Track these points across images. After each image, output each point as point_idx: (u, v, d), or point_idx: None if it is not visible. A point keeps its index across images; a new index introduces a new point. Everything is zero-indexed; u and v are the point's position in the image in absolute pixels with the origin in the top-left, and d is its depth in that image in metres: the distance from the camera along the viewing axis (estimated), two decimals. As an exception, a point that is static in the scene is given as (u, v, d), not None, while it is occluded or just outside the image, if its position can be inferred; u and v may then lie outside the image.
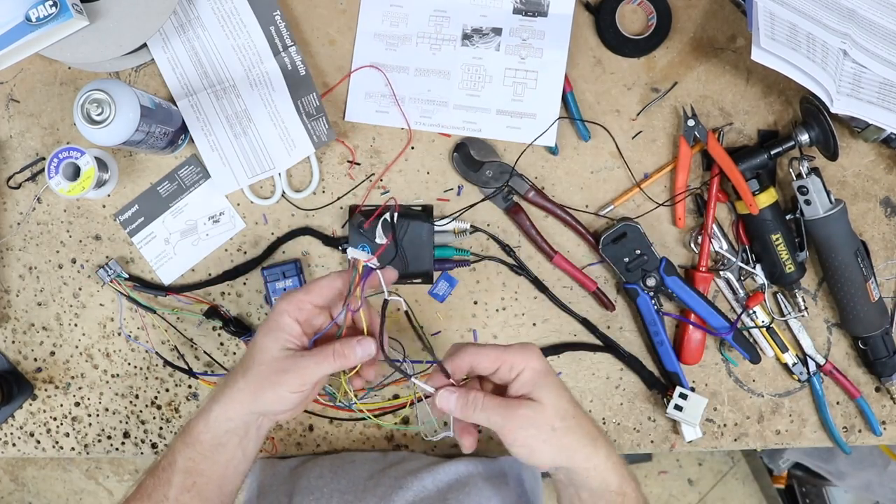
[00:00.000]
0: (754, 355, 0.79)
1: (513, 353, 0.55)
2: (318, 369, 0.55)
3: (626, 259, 0.78)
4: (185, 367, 0.79)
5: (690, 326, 0.79)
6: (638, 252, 0.78)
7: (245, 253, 0.81)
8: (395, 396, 0.81)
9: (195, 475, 0.57)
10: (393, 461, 0.77)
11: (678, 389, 0.78)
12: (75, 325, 0.81)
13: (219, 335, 0.81)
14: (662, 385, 0.81)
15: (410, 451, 0.82)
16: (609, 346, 0.81)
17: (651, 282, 0.78)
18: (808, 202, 0.76)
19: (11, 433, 0.82)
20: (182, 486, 0.57)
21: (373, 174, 0.80)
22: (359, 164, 0.79)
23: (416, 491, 0.72)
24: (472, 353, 0.56)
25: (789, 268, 0.78)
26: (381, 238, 0.74)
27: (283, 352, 0.55)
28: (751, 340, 0.81)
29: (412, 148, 0.80)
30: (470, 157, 0.79)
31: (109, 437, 0.82)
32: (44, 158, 0.79)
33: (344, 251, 0.79)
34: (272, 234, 0.80)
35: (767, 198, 0.77)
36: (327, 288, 0.58)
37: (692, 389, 0.79)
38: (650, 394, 0.82)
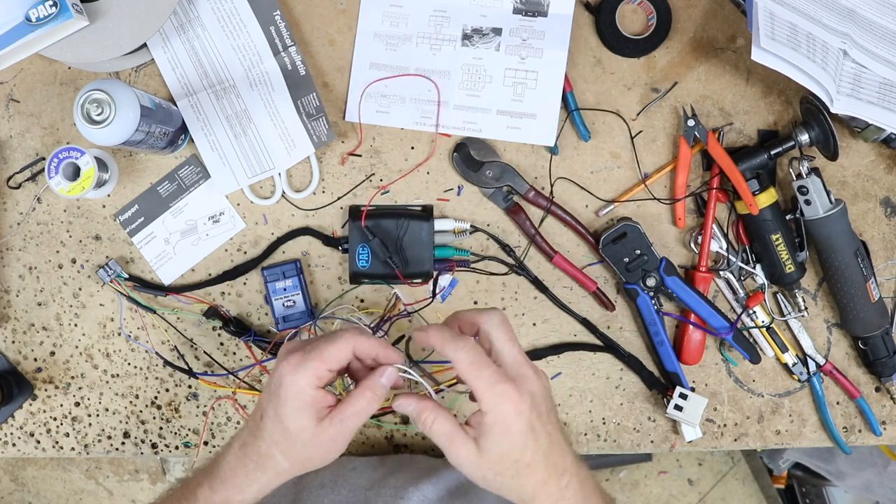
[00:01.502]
0: (754, 355, 0.79)
1: (483, 386, 0.51)
2: (359, 420, 0.54)
3: (626, 259, 0.78)
4: (185, 367, 0.79)
5: (690, 326, 0.79)
6: (638, 252, 0.78)
7: (245, 253, 0.81)
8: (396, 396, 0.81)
9: None
10: (393, 468, 0.76)
11: (678, 389, 0.78)
12: (75, 325, 0.81)
13: (219, 335, 0.81)
14: (662, 385, 0.81)
15: (410, 454, 0.82)
16: (609, 346, 0.81)
17: (651, 282, 0.78)
18: (808, 202, 0.76)
19: (11, 433, 0.82)
20: None
21: (373, 174, 0.80)
22: (359, 155, 0.79)
23: (417, 501, 0.71)
24: (449, 347, 0.53)
25: (789, 268, 0.78)
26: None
27: (320, 423, 0.53)
28: (751, 340, 0.81)
29: (412, 148, 0.80)
30: (470, 157, 0.79)
31: (109, 437, 0.82)
32: (44, 158, 0.79)
33: (345, 251, 0.79)
34: (272, 234, 0.80)
35: (767, 198, 0.77)
36: (344, 353, 0.54)
37: (692, 389, 0.79)
38: (650, 394, 0.82)
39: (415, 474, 0.74)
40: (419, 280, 0.78)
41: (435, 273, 0.78)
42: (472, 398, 0.54)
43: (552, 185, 0.80)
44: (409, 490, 0.72)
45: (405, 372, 0.56)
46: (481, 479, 0.53)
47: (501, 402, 0.51)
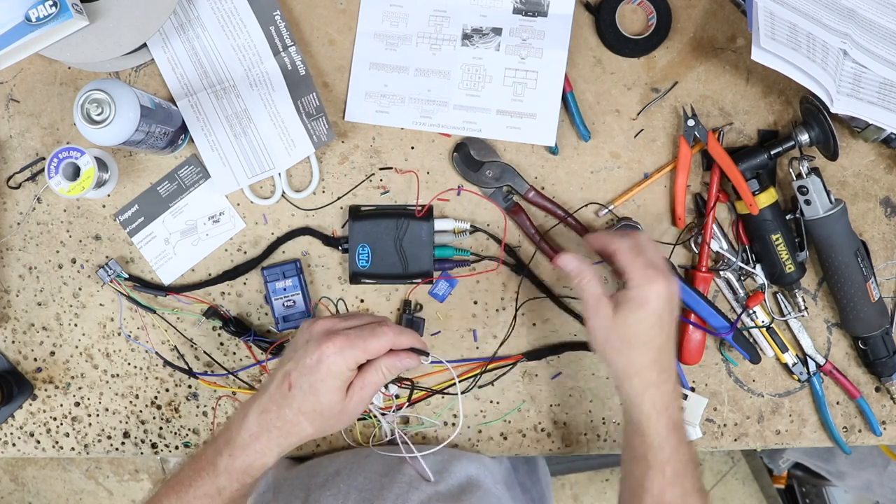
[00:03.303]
0: (754, 355, 0.79)
1: (638, 268, 0.63)
2: (373, 392, 0.60)
3: (626, 259, 0.78)
4: (185, 367, 0.79)
5: (690, 326, 0.79)
6: (638, 252, 0.78)
7: (245, 253, 0.81)
8: (396, 397, 0.81)
9: (238, 500, 0.60)
10: (404, 458, 0.78)
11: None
12: (75, 325, 0.81)
13: (219, 335, 0.81)
14: (662, 385, 0.81)
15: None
16: (609, 346, 0.81)
17: (651, 282, 0.78)
18: (808, 202, 0.76)
19: (11, 433, 0.82)
20: None
21: (373, 174, 0.80)
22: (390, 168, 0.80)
23: (429, 493, 0.72)
24: (612, 247, 0.66)
25: (789, 268, 0.78)
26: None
27: (346, 397, 0.60)
28: (751, 340, 0.81)
29: (412, 148, 0.80)
30: (470, 157, 0.79)
31: (109, 437, 0.82)
32: (44, 158, 0.79)
33: (345, 251, 0.79)
34: (272, 234, 0.80)
35: (767, 198, 0.77)
36: (385, 347, 0.60)
37: (692, 389, 0.79)
38: (650, 394, 0.82)
39: (427, 466, 0.75)
40: (419, 280, 0.78)
41: (436, 274, 0.78)
42: (618, 277, 0.66)
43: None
44: (422, 480, 0.74)
45: (424, 355, 0.63)
46: (604, 342, 0.64)
47: (648, 283, 0.62)
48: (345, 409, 0.60)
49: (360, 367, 0.60)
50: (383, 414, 0.78)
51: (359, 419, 0.81)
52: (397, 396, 0.81)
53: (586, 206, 0.80)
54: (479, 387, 0.81)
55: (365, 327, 0.60)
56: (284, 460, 0.81)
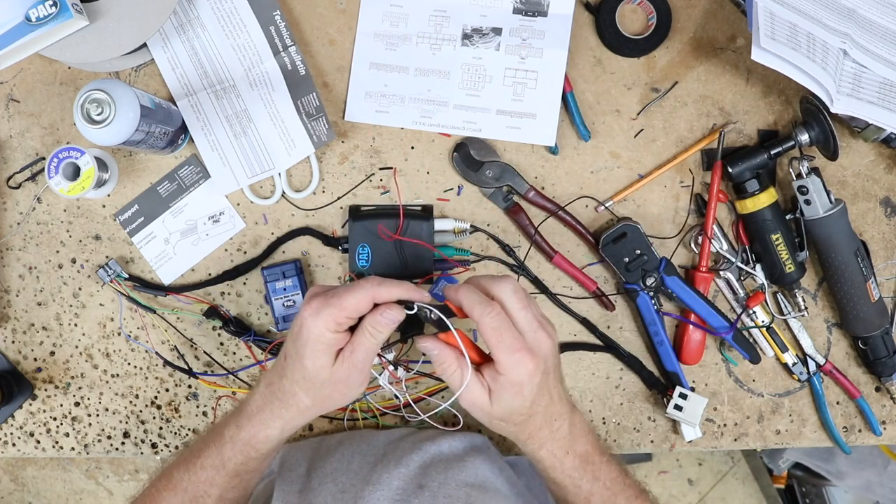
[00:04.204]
0: (754, 355, 0.79)
1: (503, 352, 0.55)
2: (366, 357, 0.57)
3: (626, 259, 0.78)
4: (185, 367, 0.79)
5: (690, 326, 0.79)
6: (638, 252, 0.78)
7: (245, 253, 0.81)
8: (396, 397, 0.81)
9: (245, 475, 0.61)
10: (411, 431, 0.79)
11: (678, 389, 0.78)
12: (75, 325, 0.81)
13: (219, 335, 0.81)
14: (662, 385, 0.81)
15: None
16: (609, 346, 0.81)
17: (651, 282, 0.78)
18: (808, 202, 0.76)
19: (11, 433, 0.82)
20: (228, 486, 0.61)
21: (373, 174, 0.80)
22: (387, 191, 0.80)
23: (432, 453, 0.73)
24: (470, 304, 0.57)
25: (789, 268, 0.78)
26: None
27: (336, 363, 0.57)
28: (751, 340, 0.81)
29: (412, 148, 0.80)
30: (470, 156, 0.79)
31: (109, 437, 0.82)
32: (44, 158, 0.79)
33: (345, 251, 0.79)
34: (272, 234, 0.80)
35: (767, 198, 0.77)
36: (363, 302, 0.57)
37: (692, 389, 0.79)
38: (650, 394, 0.82)
39: (431, 435, 0.76)
40: (419, 280, 0.78)
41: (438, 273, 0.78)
42: (484, 356, 0.60)
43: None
44: (426, 444, 0.73)
45: (414, 307, 0.58)
46: (487, 424, 0.59)
47: (517, 368, 0.55)
48: (336, 377, 0.57)
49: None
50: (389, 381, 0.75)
51: (358, 419, 0.81)
52: (396, 396, 0.81)
53: (578, 199, 0.80)
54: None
55: (345, 286, 0.58)
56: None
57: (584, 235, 0.80)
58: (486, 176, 0.79)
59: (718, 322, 0.78)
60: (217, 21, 0.77)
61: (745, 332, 0.81)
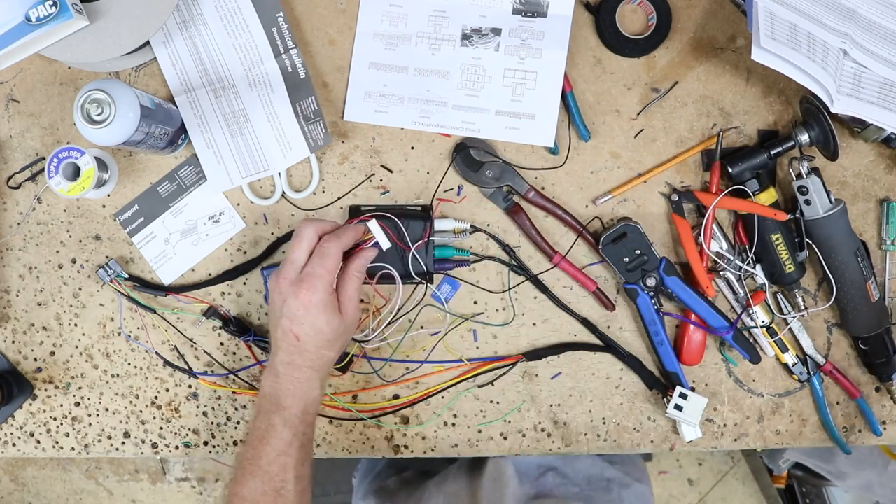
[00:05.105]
0: (754, 355, 0.79)
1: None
2: (359, 289, 0.69)
3: (626, 259, 0.78)
4: (186, 367, 0.79)
5: (691, 327, 0.79)
6: (638, 252, 0.78)
7: (245, 253, 0.81)
8: (396, 397, 0.81)
9: (308, 445, 0.68)
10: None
11: (678, 389, 0.78)
12: (75, 325, 0.81)
13: (219, 335, 0.81)
14: (662, 385, 0.81)
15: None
16: (609, 346, 0.81)
17: (651, 282, 0.78)
18: (808, 202, 0.76)
19: (11, 433, 0.82)
20: (300, 461, 0.67)
21: (373, 174, 0.80)
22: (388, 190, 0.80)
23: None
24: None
25: (789, 268, 0.78)
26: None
27: (342, 313, 0.67)
28: (751, 340, 0.81)
29: (412, 148, 0.80)
30: (470, 157, 0.79)
31: (109, 437, 0.82)
32: (44, 158, 0.79)
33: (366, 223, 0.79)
34: (272, 234, 0.80)
35: (767, 198, 0.77)
36: (339, 261, 0.67)
37: (692, 389, 0.79)
38: (650, 394, 0.82)
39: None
40: (419, 280, 0.78)
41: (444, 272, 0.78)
42: None
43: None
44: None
45: (385, 245, 0.71)
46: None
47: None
48: (346, 322, 0.68)
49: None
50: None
51: (358, 419, 0.81)
52: (396, 396, 0.81)
53: (586, 207, 0.80)
54: (479, 387, 0.81)
55: (314, 258, 0.66)
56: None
57: (584, 235, 0.80)
58: (486, 176, 0.79)
59: (718, 322, 0.78)
60: (220, 20, 0.77)
61: (746, 332, 0.81)
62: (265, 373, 0.68)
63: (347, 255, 0.69)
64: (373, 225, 0.70)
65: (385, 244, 0.71)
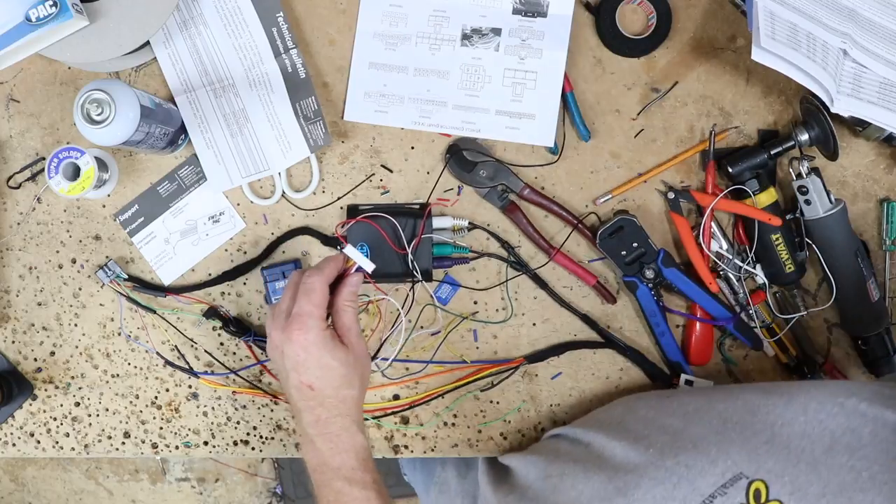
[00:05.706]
0: (756, 341, 0.79)
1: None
2: (356, 318, 0.66)
3: (624, 252, 0.78)
4: (187, 367, 0.79)
5: (696, 325, 0.79)
6: (635, 245, 0.78)
7: (245, 253, 0.81)
8: (396, 397, 0.81)
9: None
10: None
11: (683, 377, 0.79)
12: (75, 325, 0.81)
13: (219, 335, 0.81)
14: (666, 376, 0.81)
15: None
16: (609, 341, 0.81)
17: (650, 273, 0.78)
18: (808, 202, 0.76)
19: (11, 433, 0.82)
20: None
21: (373, 174, 0.80)
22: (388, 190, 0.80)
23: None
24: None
25: (789, 268, 0.78)
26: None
27: (346, 345, 0.64)
28: (751, 325, 0.81)
29: (412, 148, 0.80)
30: (463, 157, 0.79)
31: (109, 437, 0.82)
32: (44, 158, 0.79)
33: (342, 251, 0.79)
34: (272, 234, 0.80)
35: (767, 198, 0.77)
36: (326, 295, 0.64)
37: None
38: (654, 388, 0.82)
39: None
40: (419, 278, 0.78)
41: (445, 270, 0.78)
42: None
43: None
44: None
45: (369, 268, 0.67)
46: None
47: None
48: (355, 353, 0.64)
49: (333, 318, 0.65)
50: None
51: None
52: (396, 397, 0.81)
53: (586, 206, 0.80)
54: (482, 391, 0.81)
55: (298, 298, 0.63)
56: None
57: (580, 228, 0.80)
58: (480, 176, 0.79)
59: (719, 311, 0.78)
60: (220, 20, 0.77)
61: (745, 317, 0.81)
62: (301, 447, 0.65)
63: (335, 287, 0.66)
64: (349, 251, 0.66)
65: (368, 267, 0.66)
